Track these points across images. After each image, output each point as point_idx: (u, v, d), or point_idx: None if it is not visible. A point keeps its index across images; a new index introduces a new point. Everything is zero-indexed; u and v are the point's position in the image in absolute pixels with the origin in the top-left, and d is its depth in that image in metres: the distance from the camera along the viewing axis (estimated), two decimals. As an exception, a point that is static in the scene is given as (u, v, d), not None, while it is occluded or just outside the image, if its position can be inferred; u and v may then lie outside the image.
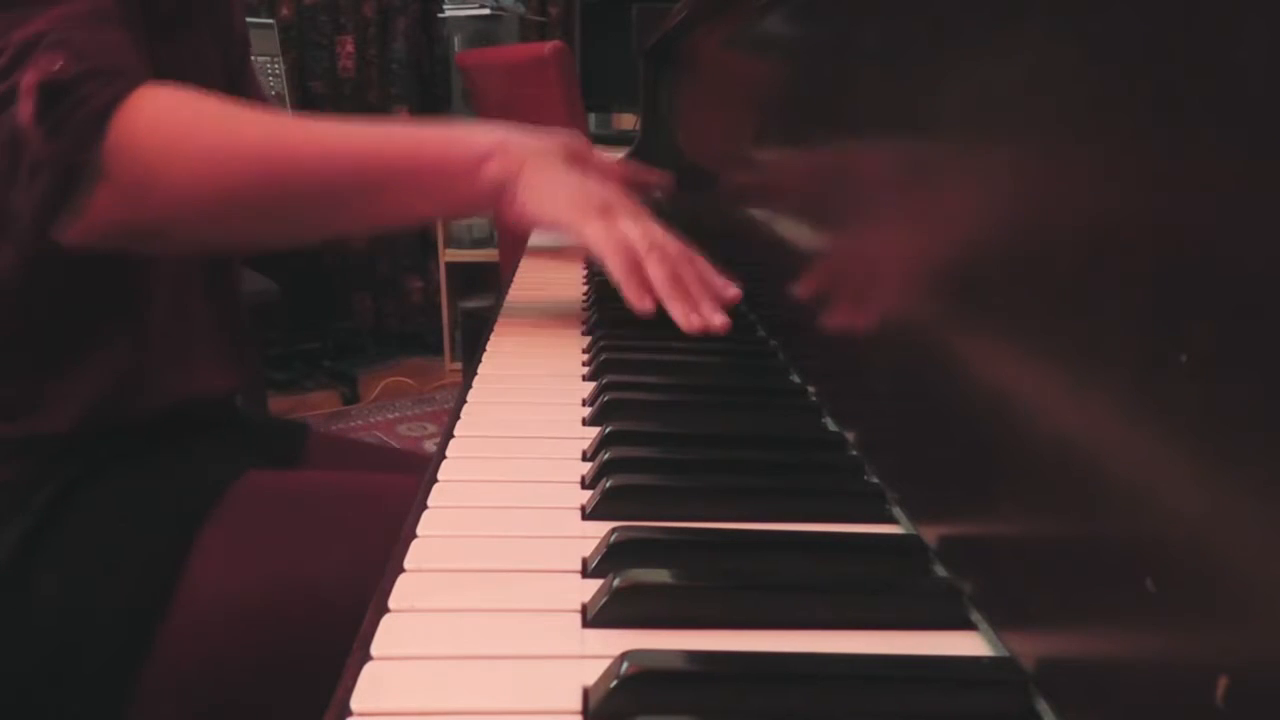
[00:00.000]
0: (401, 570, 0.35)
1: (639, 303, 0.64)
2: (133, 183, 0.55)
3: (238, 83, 0.84)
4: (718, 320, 0.64)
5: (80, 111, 0.53)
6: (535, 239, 1.19)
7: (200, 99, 0.58)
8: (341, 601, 0.52)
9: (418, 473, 0.46)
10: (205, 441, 0.74)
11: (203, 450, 0.72)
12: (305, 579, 0.62)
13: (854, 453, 0.48)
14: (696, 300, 0.65)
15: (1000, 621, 0.32)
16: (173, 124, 0.57)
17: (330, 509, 0.68)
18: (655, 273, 0.64)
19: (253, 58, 0.89)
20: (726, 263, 0.71)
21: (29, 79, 0.52)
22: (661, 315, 0.64)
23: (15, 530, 0.60)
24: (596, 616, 0.33)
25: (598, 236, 0.64)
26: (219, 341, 0.76)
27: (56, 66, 0.52)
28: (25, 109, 0.52)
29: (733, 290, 0.67)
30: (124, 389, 0.67)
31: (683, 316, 0.64)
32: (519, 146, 0.64)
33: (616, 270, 0.64)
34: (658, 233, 0.66)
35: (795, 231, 0.65)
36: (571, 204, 0.64)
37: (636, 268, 0.64)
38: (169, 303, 0.70)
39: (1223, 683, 0.20)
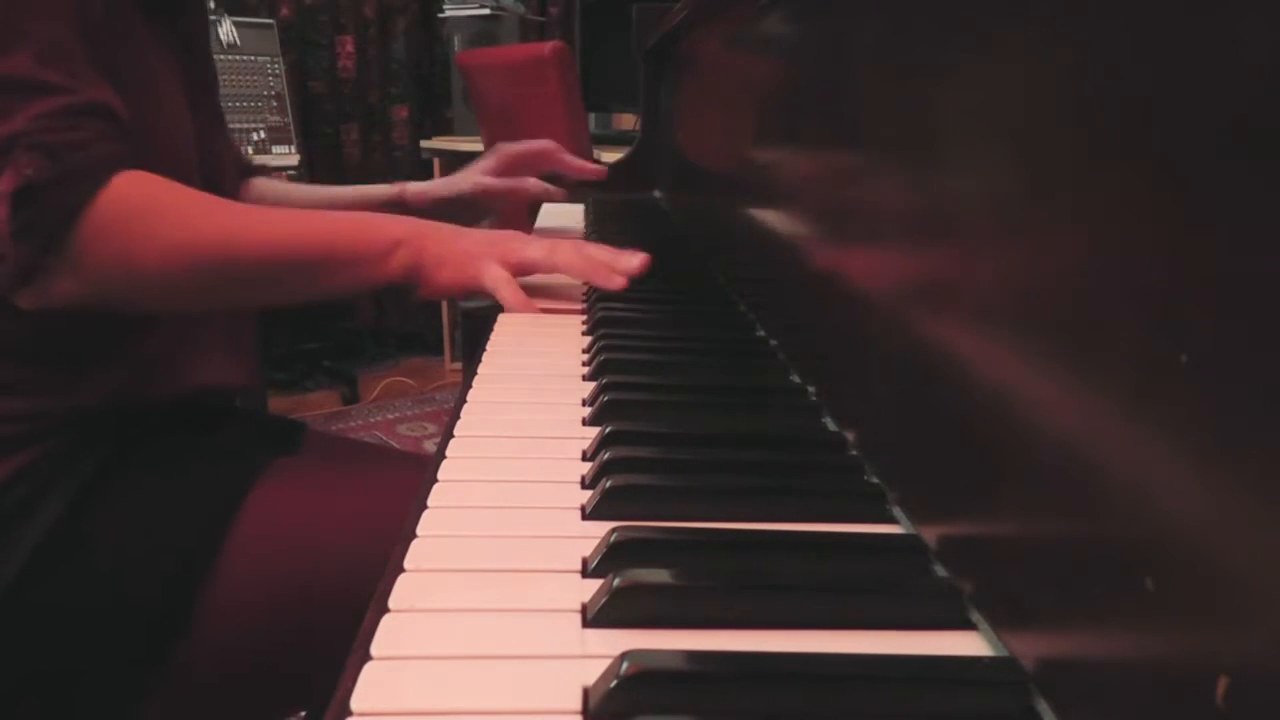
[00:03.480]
0: (401, 570, 0.35)
1: (512, 302, 0.73)
2: (98, 268, 0.62)
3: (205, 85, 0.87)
4: (635, 262, 0.76)
5: (49, 212, 0.59)
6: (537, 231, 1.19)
7: (166, 189, 0.65)
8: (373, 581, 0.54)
9: (417, 472, 0.46)
10: (228, 428, 0.78)
11: (230, 435, 0.77)
12: (338, 558, 0.65)
13: (854, 453, 0.48)
14: (610, 263, 0.76)
15: (1000, 621, 0.32)
16: (141, 216, 0.63)
17: (361, 494, 0.72)
18: (569, 265, 0.75)
19: (252, 58, 0.92)
20: (726, 262, 0.71)
21: (4, 184, 0.58)
22: (660, 314, 0.64)
23: (51, 509, 0.62)
24: (596, 616, 0.33)
25: (491, 281, 0.73)
26: (230, 334, 0.80)
27: (30, 171, 0.58)
28: (1, 209, 0.58)
29: (638, 259, 0.77)
30: (146, 374, 0.71)
31: (606, 280, 0.76)
32: (420, 235, 0.73)
33: (504, 300, 0.74)
34: (548, 240, 0.77)
35: (795, 231, 0.65)
36: (468, 262, 0.73)
37: (518, 292, 0.74)
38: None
39: (1223, 683, 0.20)
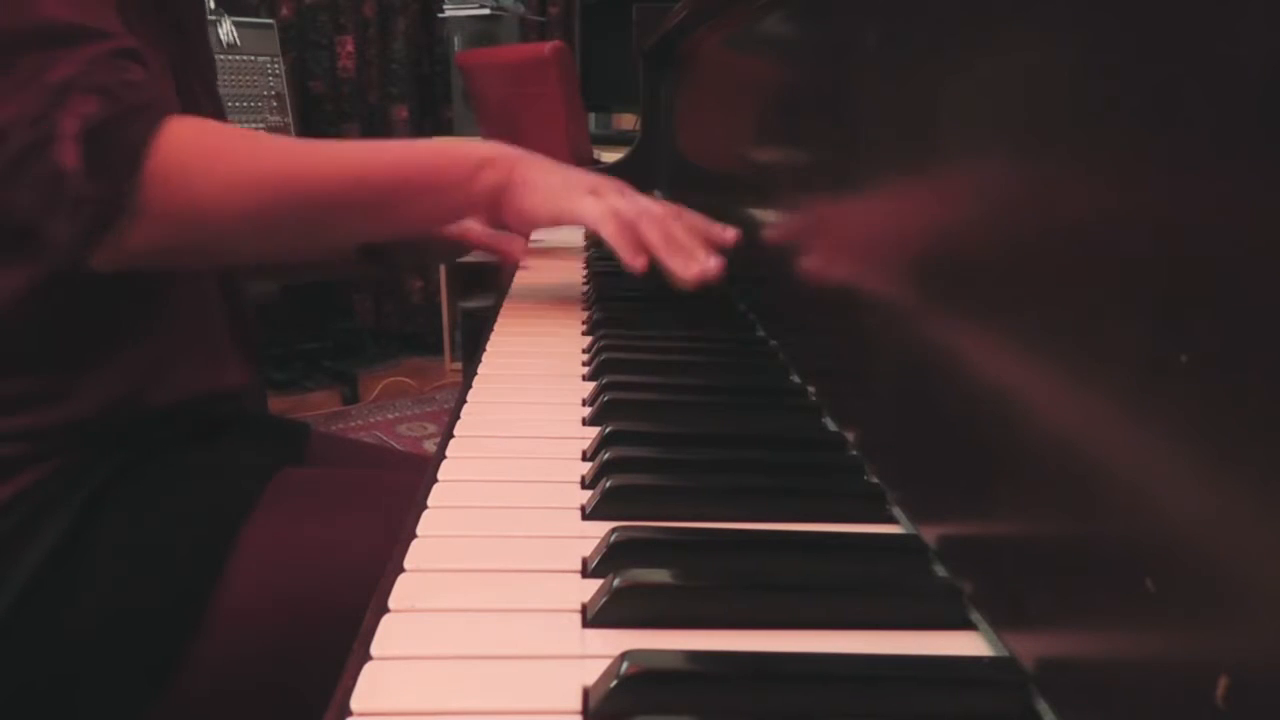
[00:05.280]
0: (401, 570, 0.35)
1: (633, 260, 0.68)
2: (167, 211, 0.59)
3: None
4: (712, 264, 0.69)
5: (117, 152, 0.57)
6: (536, 238, 1.19)
7: (221, 128, 0.63)
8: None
9: (419, 473, 0.46)
10: (232, 436, 0.76)
11: (233, 444, 0.75)
12: (345, 570, 0.64)
13: (854, 453, 0.48)
14: (690, 251, 0.69)
15: (1000, 621, 0.32)
16: (200, 154, 0.60)
17: (366, 499, 0.71)
18: (649, 236, 0.68)
19: (252, 58, 0.92)
20: (727, 262, 0.71)
21: (68, 124, 0.55)
22: (660, 314, 0.64)
23: (55, 526, 0.61)
24: (596, 616, 0.33)
25: (591, 212, 0.69)
26: (232, 336, 0.79)
27: (92, 110, 0.56)
28: (68, 153, 0.56)
29: (730, 232, 0.74)
30: (146, 381, 0.69)
31: (681, 268, 0.68)
32: (507, 156, 0.70)
33: (610, 236, 0.69)
34: (645, 201, 0.71)
35: (795, 231, 0.65)
36: (564, 191, 0.70)
37: (629, 231, 0.69)
38: (188, 298, 0.73)
39: (1223, 683, 0.20)
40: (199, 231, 0.62)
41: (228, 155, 0.62)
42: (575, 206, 0.70)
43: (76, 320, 0.65)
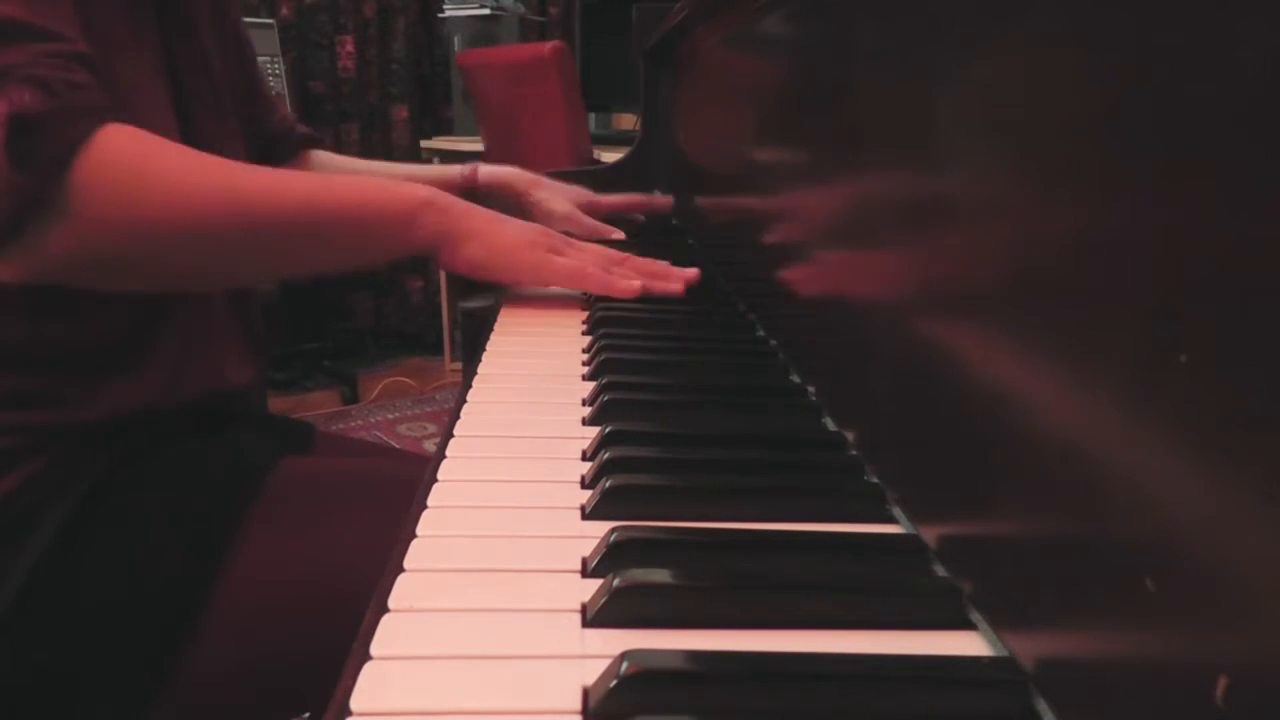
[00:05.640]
0: (401, 570, 0.35)
1: (626, 292, 0.75)
2: (95, 218, 0.57)
3: (250, 92, 0.85)
4: (689, 273, 0.79)
5: (46, 146, 0.54)
6: None
7: (163, 142, 0.60)
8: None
9: (421, 468, 0.46)
10: (234, 430, 0.76)
11: (234, 438, 0.75)
12: (346, 561, 0.64)
13: (854, 453, 0.48)
14: (663, 272, 0.79)
15: (1000, 621, 0.32)
16: (137, 163, 0.58)
17: (367, 494, 0.71)
18: (627, 280, 0.75)
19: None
20: (727, 262, 0.71)
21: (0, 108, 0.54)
22: (660, 314, 0.64)
23: (55, 519, 0.61)
24: (596, 616, 0.33)
25: (560, 273, 0.74)
26: (241, 334, 0.78)
27: (26, 100, 0.54)
28: None
29: (690, 271, 0.80)
30: (153, 384, 0.69)
31: (668, 287, 0.77)
32: (450, 204, 0.71)
33: (596, 289, 0.76)
34: (601, 251, 0.78)
35: (795, 231, 0.65)
36: (525, 250, 0.73)
37: (608, 279, 0.75)
38: (199, 297, 0.72)
39: (1223, 683, 0.20)
40: (130, 245, 0.59)
41: (166, 168, 0.60)
42: (546, 272, 0.73)
43: (86, 323, 0.65)
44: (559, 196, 1.01)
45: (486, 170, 0.99)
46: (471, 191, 0.95)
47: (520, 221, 0.75)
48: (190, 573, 0.62)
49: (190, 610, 0.62)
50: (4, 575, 0.59)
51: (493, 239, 0.71)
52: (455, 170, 0.98)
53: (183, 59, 0.73)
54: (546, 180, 1.03)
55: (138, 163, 0.58)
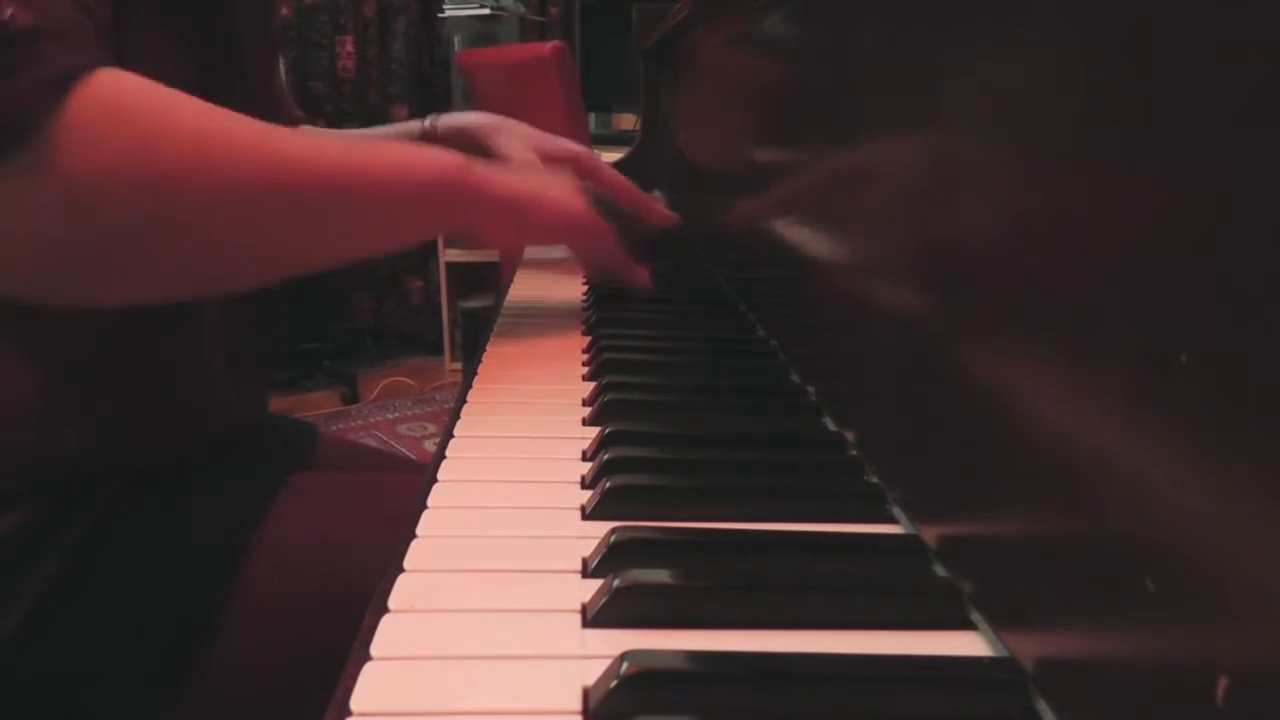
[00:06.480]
0: (401, 570, 0.35)
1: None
2: (87, 173, 0.44)
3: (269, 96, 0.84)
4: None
5: (33, 70, 0.42)
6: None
7: (173, 91, 0.48)
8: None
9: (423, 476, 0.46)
10: (239, 449, 0.74)
11: (241, 458, 0.73)
12: (353, 576, 0.63)
13: (854, 453, 0.48)
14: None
15: (1000, 621, 0.32)
16: (148, 105, 0.46)
17: (377, 509, 0.69)
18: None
19: None
20: (727, 262, 0.71)
21: None
22: (660, 314, 0.64)
23: (66, 537, 0.60)
24: (596, 616, 0.33)
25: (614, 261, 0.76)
26: (260, 365, 0.76)
27: (8, 14, 0.42)
28: None
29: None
30: (179, 420, 0.67)
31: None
32: (475, 173, 0.62)
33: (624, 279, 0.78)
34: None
35: (795, 231, 0.65)
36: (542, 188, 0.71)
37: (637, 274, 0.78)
38: (218, 336, 0.68)
39: (1223, 683, 0.20)
40: (139, 211, 0.46)
41: (184, 116, 0.47)
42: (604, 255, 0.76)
43: (110, 359, 0.62)
44: (518, 142, 0.93)
45: (446, 119, 0.94)
46: (431, 141, 0.91)
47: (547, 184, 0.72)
48: (201, 588, 0.61)
49: (201, 623, 0.61)
50: (18, 588, 0.59)
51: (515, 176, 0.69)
52: (415, 124, 0.95)
53: (225, 78, 0.65)
54: (509, 124, 0.94)
55: (152, 103, 0.46)
